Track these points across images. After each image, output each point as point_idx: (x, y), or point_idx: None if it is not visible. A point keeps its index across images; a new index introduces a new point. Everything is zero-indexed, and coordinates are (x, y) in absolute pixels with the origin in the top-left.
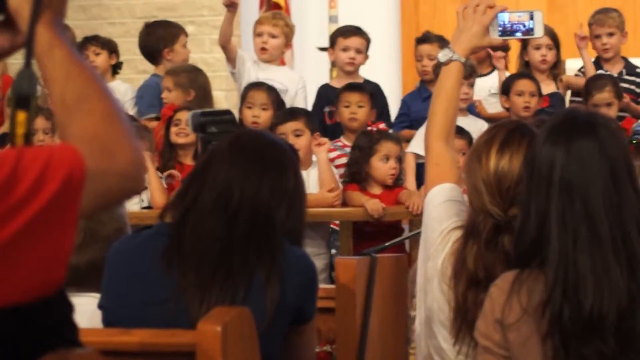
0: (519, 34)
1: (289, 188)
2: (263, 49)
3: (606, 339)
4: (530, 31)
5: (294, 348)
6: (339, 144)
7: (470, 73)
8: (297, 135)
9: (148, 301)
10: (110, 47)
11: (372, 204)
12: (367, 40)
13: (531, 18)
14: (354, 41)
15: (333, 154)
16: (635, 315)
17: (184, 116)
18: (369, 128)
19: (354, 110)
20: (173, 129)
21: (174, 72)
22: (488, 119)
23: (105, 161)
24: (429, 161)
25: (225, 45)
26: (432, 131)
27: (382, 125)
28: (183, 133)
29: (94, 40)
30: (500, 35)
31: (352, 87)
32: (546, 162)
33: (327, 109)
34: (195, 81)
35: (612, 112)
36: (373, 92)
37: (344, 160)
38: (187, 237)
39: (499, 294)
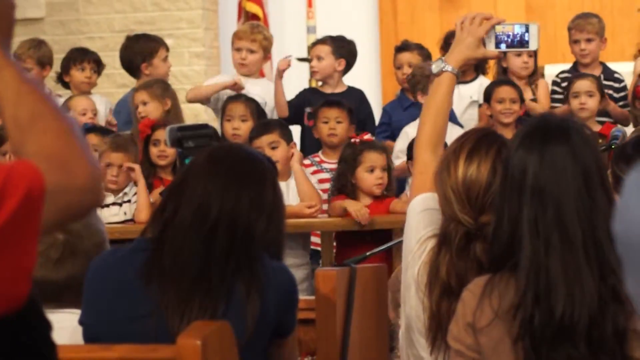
0: (511, 47)
1: (267, 201)
2: (242, 64)
3: (577, 344)
4: (525, 43)
5: None
6: (317, 159)
7: None
8: (274, 148)
9: (129, 317)
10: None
11: (354, 206)
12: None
13: (527, 31)
14: (313, 50)
15: (310, 170)
16: (605, 320)
17: (163, 136)
18: (353, 140)
19: (333, 126)
20: (153, 150)
21: (146, 86)
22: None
23: (63, 176)
24: (414, 170)
25: (195, 101)
26: (420, 140)
27: (367, 136)
28: (163, 155)
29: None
30: (496, 48)
31: (330, 103)
32: (519, 168)
33: (307, 110)
34: (167, 90)
35: (593, 103)
36: (351, 108)
37: (321, 176)
38: (167, 252)
39: (471, 297)
